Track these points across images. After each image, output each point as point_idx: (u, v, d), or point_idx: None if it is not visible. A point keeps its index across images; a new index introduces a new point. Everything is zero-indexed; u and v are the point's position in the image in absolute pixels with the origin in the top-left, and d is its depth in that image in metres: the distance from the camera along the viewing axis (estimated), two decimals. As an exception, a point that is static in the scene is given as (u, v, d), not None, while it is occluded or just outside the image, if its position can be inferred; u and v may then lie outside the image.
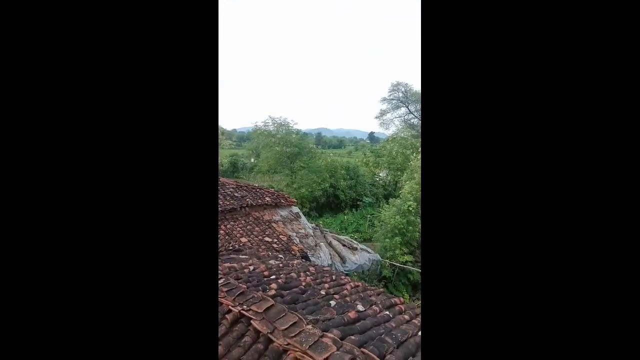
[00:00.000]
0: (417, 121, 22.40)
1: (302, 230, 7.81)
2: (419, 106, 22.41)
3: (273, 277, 3.65)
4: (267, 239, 6.64)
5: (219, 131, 29.38)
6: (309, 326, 2.15)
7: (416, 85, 26.16)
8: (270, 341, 2.10)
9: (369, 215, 13.59)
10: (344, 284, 3.93)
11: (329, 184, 15.56)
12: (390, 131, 23.25)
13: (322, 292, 3.39)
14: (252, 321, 2.34)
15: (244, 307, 2.49)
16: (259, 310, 2.40)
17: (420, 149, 12.70)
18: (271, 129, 18.16)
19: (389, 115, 23.48)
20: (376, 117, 23.90)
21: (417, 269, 8.56)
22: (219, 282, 2.94)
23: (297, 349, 1.90)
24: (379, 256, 8.84)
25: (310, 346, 1.90)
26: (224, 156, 27.65)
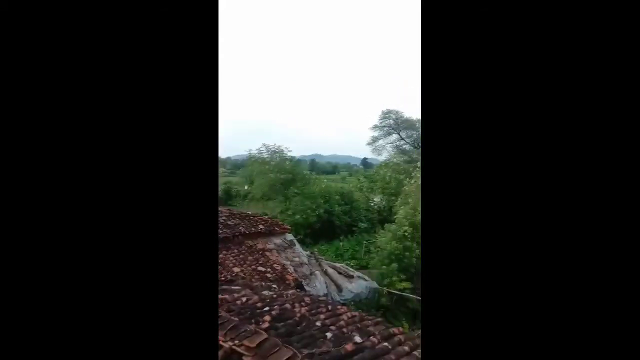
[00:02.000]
0: (408, 147, 22.85)
1: (297, 259, 7.63)
2: (410, 132, 22.96)
3: (266, 308, 3.51)
4: (260, 268, 6.45)
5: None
6: (304, 361, 2.03)
7: (407, 111, 26.87)
8: (263, 379, 1.97)
9: (365, 242, 13.41)
10: (340, 315, 3.78)
11: (324, 209, 15.46)
12: (382, 157, 23.64)
13: (318, 324, 3.25)
14: (243, 357, 2.21)
15: (236, 342, 2.36)
16: (251, 345, 2.27)
17: (412, 174, 12.83)
18: (265, 156, 18.31)
19: (381, 142, 23.96)
20: (368, 144, 24.37)
21: (415, 296, 8.32)
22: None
23: (291, 388, 1.78)
24: (376, 284, 8.61)
25: (305, 384, 1.78)
26: (218, 184, 27.44)
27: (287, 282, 6.18)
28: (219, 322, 2.60)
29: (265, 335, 2.38)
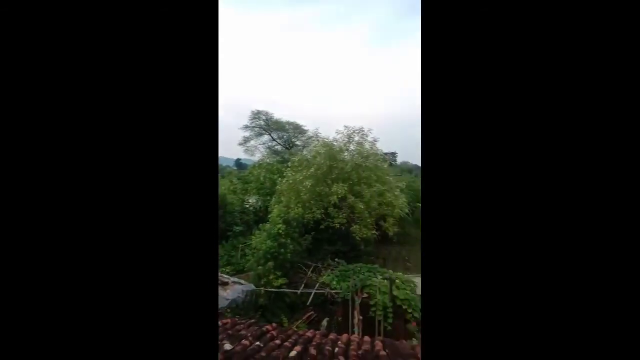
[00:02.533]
0: (280, 148, 23.60)
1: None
2: (280, 134, 23.75)
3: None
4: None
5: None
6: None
7: (276, 113, 27.62)
8: None
9: (240, 245, 13.02)
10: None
11: (194, 217, 14.11)
12: (256, 157, 23.57)
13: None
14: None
15: None
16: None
17: (284, 174, 13.32)
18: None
19: (252, 142, 23.86)
20: (240, 144, 23.86)
21: (291, 290, 8.66)
22: None
23: None
24: (253, 285, 8.49)
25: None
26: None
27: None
28: None
29: None
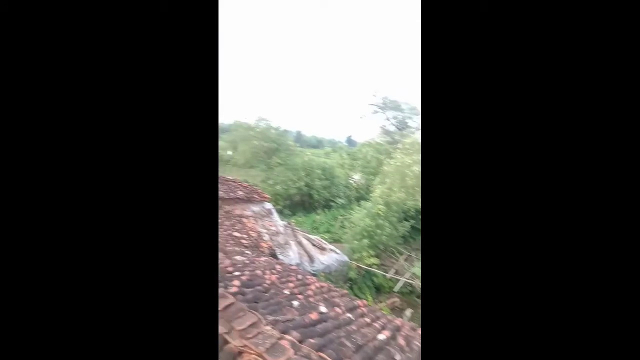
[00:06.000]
0: (393, 128, 22.90)
1: (273, 228, 7.72)
2: (395, 114, 22.92)
3: (237, 273, 3.56)
4: (236, 234, 6.49)
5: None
6: (268, 327, 2.11)
7: (394, 94, 26.57)
8: (226, 342, 2.03)
9: (340, 217, 13.70)
10: (309, 284, 3.92)
11: (305, 182, 15.51)
12: (367, 136, 23.62)
13: (286, 292, 3.35)
14: (209, 319, 2.26)
15: (202, 304, 2.40)
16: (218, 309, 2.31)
17: (392, 155, 12.95)
18: (251, 123, 17.80)
19: (367, 121, 23.86)
20: (355, 122, 24.21)
21: (381, 272, 8.73)
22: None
23: (252, 352, 1.85)
24: (346, 257, 8.93)
25: (267, 349, 1.85)
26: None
27: (261, 249, 6.28)
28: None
29: (231, 300, 2.43)
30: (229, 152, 21.78)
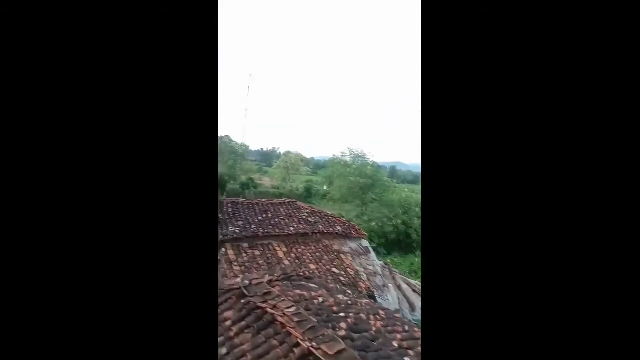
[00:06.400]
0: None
1: (371, 267, 7.44)
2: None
3: (342, 314, 3.46)
4: (334, 270, 6.49)
5: (299, 159, 31.13)
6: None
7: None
8: (341, 393, 1.91)
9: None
10: (418, 338, 3.49)
11: (401, 220, 14.77)
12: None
13: (395, 344, 3.05)
14: (320, 362, 2.19)
15: (314, 344, 2.36)
16: (330, 352, 2.24)
17: None
18: (347, 159, 18.49)
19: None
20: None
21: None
22: (290, 310, 2.89)
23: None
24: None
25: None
26: (300, 181, 29.09)
27: (359, 289, 6.07)
28: (299, 320, 2.65)
29: (343, 345, 2.32)
30: (325, 187, 22.84)
